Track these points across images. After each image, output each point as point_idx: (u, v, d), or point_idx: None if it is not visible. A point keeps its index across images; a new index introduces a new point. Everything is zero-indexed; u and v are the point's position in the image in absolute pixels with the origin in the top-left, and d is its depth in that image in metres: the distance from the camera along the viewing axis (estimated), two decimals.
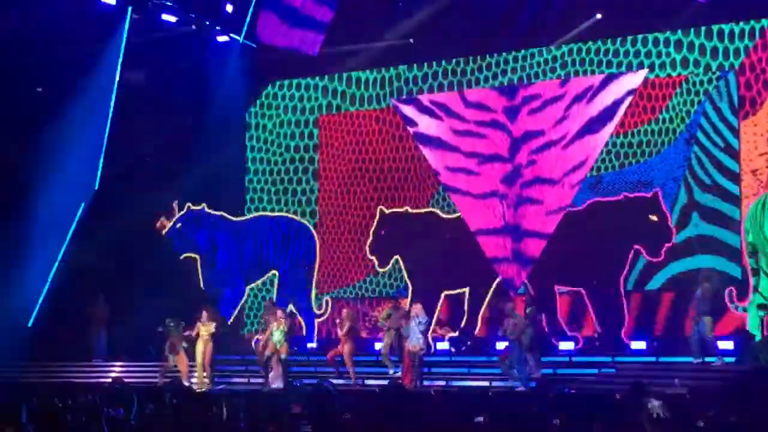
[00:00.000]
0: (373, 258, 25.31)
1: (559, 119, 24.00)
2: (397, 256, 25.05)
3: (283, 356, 21.89)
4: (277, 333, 21.91)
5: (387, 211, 25.39)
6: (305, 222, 26.64)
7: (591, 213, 23.15)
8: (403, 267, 25.30)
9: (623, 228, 22.48)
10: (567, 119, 23.92)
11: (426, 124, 25.48)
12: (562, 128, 23.98)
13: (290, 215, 26.86)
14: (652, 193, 22.58)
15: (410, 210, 25.51)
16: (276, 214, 27.00)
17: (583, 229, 22.90)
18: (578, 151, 23.79)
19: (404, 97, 25.93)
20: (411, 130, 25.51)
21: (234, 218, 26.67)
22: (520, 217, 24.28)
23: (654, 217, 22.28)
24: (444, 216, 25.29)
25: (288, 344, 21.98)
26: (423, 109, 25.53)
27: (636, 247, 22.50)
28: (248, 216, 27.23)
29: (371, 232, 25.45)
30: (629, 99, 23.00)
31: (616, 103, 23.41)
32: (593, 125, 23.63)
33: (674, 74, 23.18)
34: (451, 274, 24.62)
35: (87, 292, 25.18)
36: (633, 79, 23.25)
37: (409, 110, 25.68)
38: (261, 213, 27.24)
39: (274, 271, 26.31)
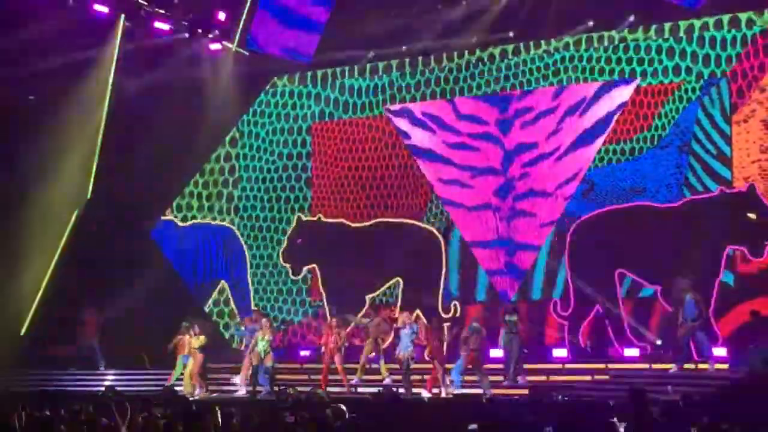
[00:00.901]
0: (287, 265, 26.08)
1: (551, 132, 24.08)
2: (313, 265, 26.01)
3: (268, 364, 21.86)
4: (262, 342, 21.92)
5: (304, 218, 26.33)
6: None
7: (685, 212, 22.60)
8: (318, 275, 26.00)
9: (717, 227, 21.90)
10: (560, 132, 24.00)
11: (419, 137, 25.58)
12: (555, 141, 24.06)
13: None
14: (747, 187, 21.96)
15: (323, 218, 26.33)
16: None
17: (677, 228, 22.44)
18: (571, 163, 23.87)
19: (397, 108, 25.93)
20: (405, 142, 25.61)
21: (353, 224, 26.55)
22: (513, 229, 24.37)
23: (753, 215, 21.91)
24: (354, 225, 26.20)
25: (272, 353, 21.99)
26: (416, 122, 25.64)
27: (734, 247, 21.92)
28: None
29: (286, 238, 26.32)
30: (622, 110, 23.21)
31: (609, 115, 23.52)
32: (586, 138, 23.73)
33: (666, 81, 23.20)
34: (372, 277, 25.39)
35: (79, 300, 25.13)
36: (625, 91, 23.34)
37: (402, 123, 25.79)
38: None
39: None
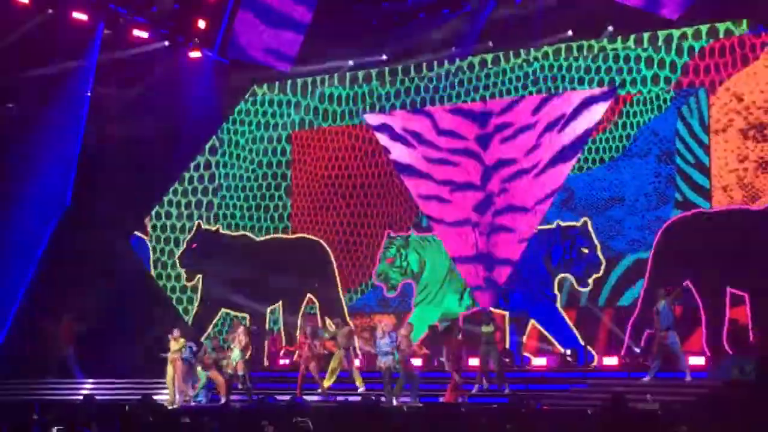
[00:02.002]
0: (182, 270, 26.47)
1: (531, 147, 24.17)
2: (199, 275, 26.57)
3: (240, 373, 21.80)
4: (236, 351, 21.88)
5: (203, 227, 26.73)
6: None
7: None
8: (200, 284, 26.57)
9: None
10: (539, 148, 24.09)
11: (399, 153, 25.62)
12: (534, 156, 24.15)
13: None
14: None
15: (221, 230, 26.89)
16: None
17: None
18: (550, 179, 23.96)
19: (377, 124, 25.94)
20: (386, 157, 25.72)
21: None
22: (492, 245, 24.44)
23: None
24: (257, 239, 26.91)
25: (243, 362, 21.89)
26: (396, 137, 25.66)
27: None
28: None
29: (185, 242, 26.73)
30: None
31: (587, 132, 23.59)
32: (565, 153, 23.80)
33: (645, 91, 23.28)
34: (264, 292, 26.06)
35: (56, 308, 25.01)
36: (603, 108, 23.43)
37: (382, 138, 25.81)
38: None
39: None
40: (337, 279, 26.22)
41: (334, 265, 26.31)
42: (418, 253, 25.67)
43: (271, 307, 26.52)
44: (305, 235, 26.81)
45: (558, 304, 23.65)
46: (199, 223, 26.95)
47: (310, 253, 26.54)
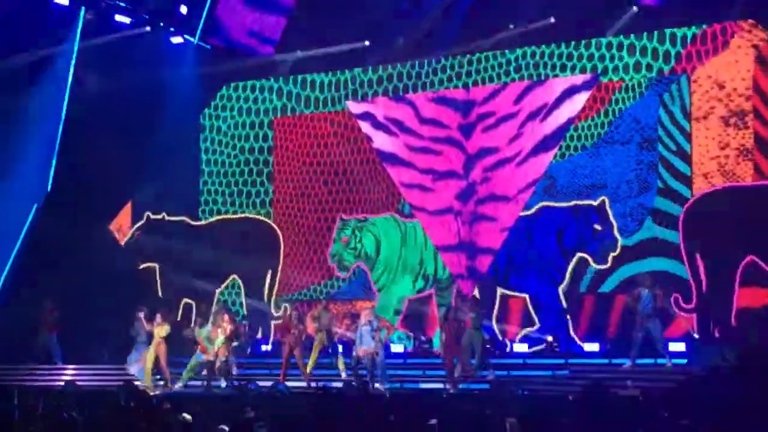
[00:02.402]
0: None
1: (513, 136, 24.18)
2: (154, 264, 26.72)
3: (222, 358, 21.78)
4: (220, 337, 21.87)
5: (152, 216, 26.89)
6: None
7: None
8: (158, 275, 26.69)
9: None
10: (521, 137, 24.12)
11: (381, 141, 25.59)
12: (516, 145, 24.17)
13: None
14: None
15: (167, 216, 26.93)
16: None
17: None
18: (532, 168, 23.99)
19: (359, 112, 25.90)
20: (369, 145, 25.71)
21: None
22: (475, 234, 24.47)
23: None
24: (194, 223, 27.12)
25: (226, 347, 21.88)
26: (378, 126, 25.64)
27: None
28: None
29: (131, 231, 27.01)
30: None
31: (570, 121, 23.61)
32: (547, 143, 23.83)
33: (627, 78, 23.33)
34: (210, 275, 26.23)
35: (38, 295, 24.93)
36: (585, 97, 23.45)
37: (365, 126, 25.79)
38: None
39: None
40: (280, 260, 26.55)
41: (282, 247, 26.63)
42: (374, 235, 25.75)
43: (221, 289, 26.69)
44: (250, 215, 27.07)
45: (560, 288, 23.53)
46: (148, 214, 27.01)
47: (257, 232, 26.83)
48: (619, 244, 22.93)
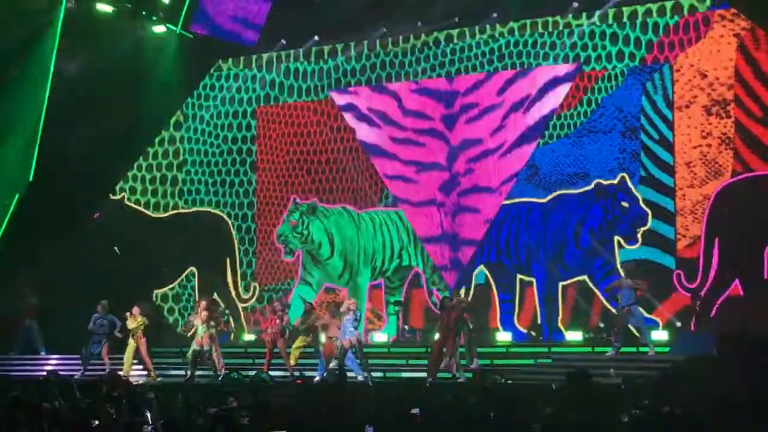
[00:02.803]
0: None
1: (496, 128, 24.18)
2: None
3: (206, 347, 21.70)
4: (200, 327, 21.84)
5: (113, 197, 27.15)
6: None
7: None
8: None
9: None
10: (504, 128, 24.11)
11: (365, 132, 25.58)
12: (499, 137, 24.19)
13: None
14: None
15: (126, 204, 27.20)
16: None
17: None
18: (515, 160, 24.00)
19: (342, 103, 25.87)
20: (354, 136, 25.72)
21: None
22: (458, 225, 24.49)
23: None
24: (153, 215, 27.30)
25: (208, 336, 21.81)
26: (362, 117, 25.61)
27: None
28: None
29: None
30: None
31: (552, 112, 23.64)
32: (530, 134, 23.83)
33: (610, 67, 23.35)
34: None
35: (20, 283, 24.86)
36: (567, 88, 23.48)
37: (348, 117, 25.77)
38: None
39: None
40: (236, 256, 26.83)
41: (235, 241, 26.89)
42: (323, 224, 25.88)
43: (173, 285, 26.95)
44: (203, 209, 27.27)
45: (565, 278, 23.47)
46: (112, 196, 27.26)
47: (209, 225, 27.06)
48: (650, 217, 22.61)
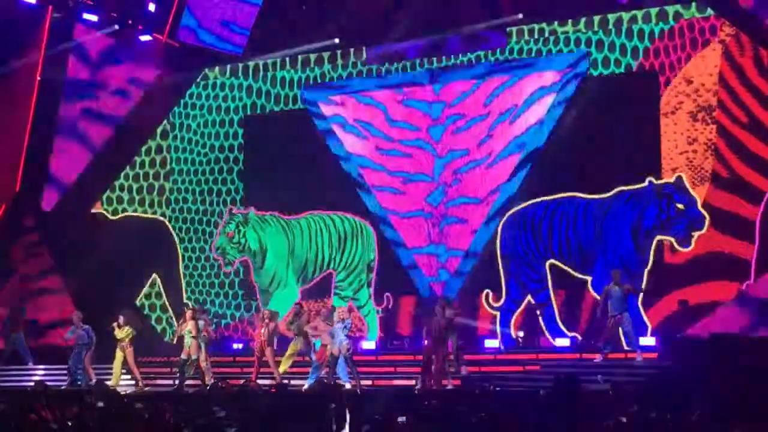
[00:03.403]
0: None
1: (483, 139, 24.20)
2: None
3: (190, 357, 21.65)
4: (186, 336, 21.76)
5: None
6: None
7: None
8: None
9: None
10: (491, 139, 24.14)
11: (351, 143, 25.57)
12: (486, 148, 24.20)
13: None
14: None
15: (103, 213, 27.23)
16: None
17: None
18: (502, 170, 24.01)
19: (329, 114, 25.86)
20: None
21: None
22: (445, 236, 24.49)
23: None
24: (109, 218, 27.24)
25: (196, 344, 21.74)
26: (348, 128, 25.61)
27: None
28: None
29: None
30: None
31: (539, 122, 23.65)
32: (517, 144, 23.85)
33: (596, 74, 23.40)
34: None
35: (6, 295, 24.82)
36: (552, 98, 23.51)
37: (335, 128, 25.76)
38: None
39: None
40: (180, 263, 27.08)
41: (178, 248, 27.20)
42: (257, 232, 26.15)
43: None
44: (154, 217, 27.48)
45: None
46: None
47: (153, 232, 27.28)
48: (706, 222, 22.04)
